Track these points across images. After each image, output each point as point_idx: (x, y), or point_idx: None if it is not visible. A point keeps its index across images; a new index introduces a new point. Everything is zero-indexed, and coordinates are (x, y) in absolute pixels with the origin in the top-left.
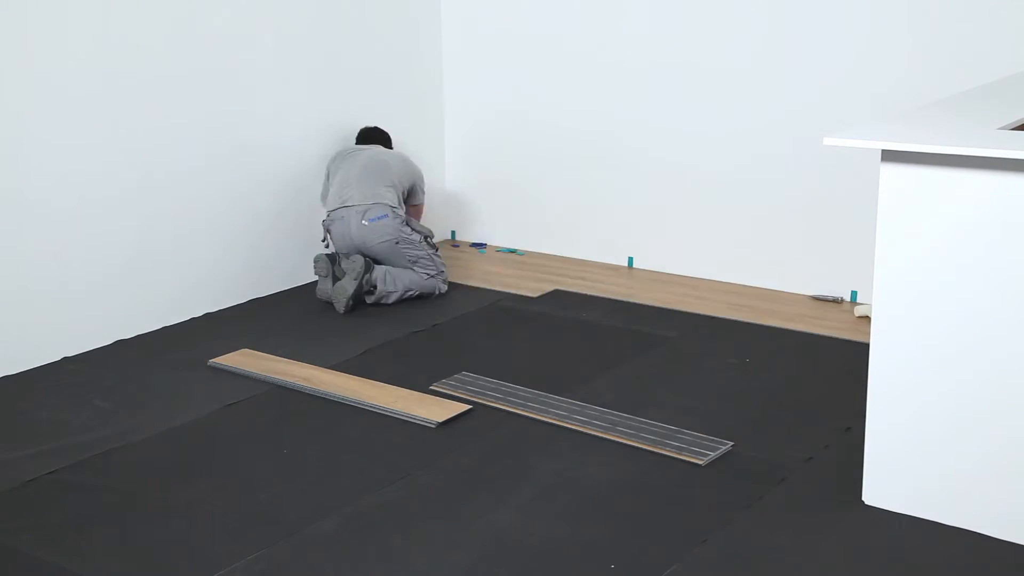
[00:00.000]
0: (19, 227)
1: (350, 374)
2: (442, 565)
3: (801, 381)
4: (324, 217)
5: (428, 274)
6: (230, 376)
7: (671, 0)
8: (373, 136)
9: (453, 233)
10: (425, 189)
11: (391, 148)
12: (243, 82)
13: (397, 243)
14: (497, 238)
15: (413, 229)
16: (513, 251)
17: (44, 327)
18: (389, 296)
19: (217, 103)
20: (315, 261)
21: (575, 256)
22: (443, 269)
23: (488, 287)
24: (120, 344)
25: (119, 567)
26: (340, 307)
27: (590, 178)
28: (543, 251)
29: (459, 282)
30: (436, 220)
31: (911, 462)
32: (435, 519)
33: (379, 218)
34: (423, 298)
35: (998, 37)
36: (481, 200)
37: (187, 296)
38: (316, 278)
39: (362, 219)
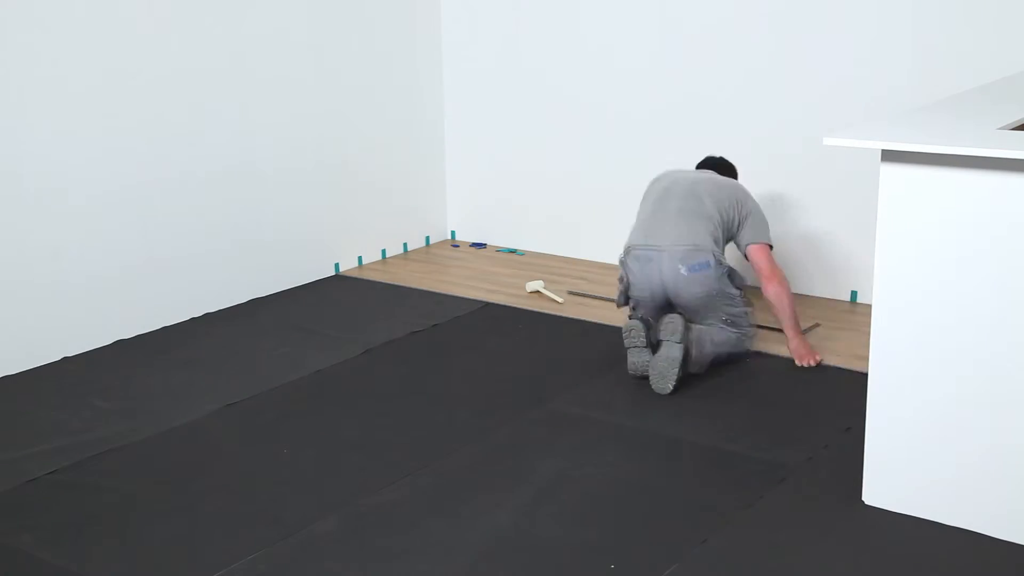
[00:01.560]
0: (19, 227)
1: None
2: (442, 565)
3: (801, 381)
4: (621, 255)
5: (741, 334)
6: (232, 375)
7: (671, 2)
8: (715, 164)
9: (453, 233)
10: (768, 226)
11: (735, 178)
12: (244, 83)
13: (715, 297)
14: (497, 238)
15: (733, 280)
16: (513, 251)
17: (44, 327)
18: (703, 366)
19: (217, 105)
20: (628, 329)
21: (575, 256)
22: (752, 333)
23: (488, 287)
24: (120, 344)
25: (119, 567)
26: (668, 385)
27: (590, 178)
28: (543, 251)
29: (460, 282)
30: (436, 219)
31: (911, 462)
32: (435, 519)
33: (700, 269)
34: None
35: (998, 37)
36: (481, 200)
37: (187, 296)
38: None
39: (680, 265)
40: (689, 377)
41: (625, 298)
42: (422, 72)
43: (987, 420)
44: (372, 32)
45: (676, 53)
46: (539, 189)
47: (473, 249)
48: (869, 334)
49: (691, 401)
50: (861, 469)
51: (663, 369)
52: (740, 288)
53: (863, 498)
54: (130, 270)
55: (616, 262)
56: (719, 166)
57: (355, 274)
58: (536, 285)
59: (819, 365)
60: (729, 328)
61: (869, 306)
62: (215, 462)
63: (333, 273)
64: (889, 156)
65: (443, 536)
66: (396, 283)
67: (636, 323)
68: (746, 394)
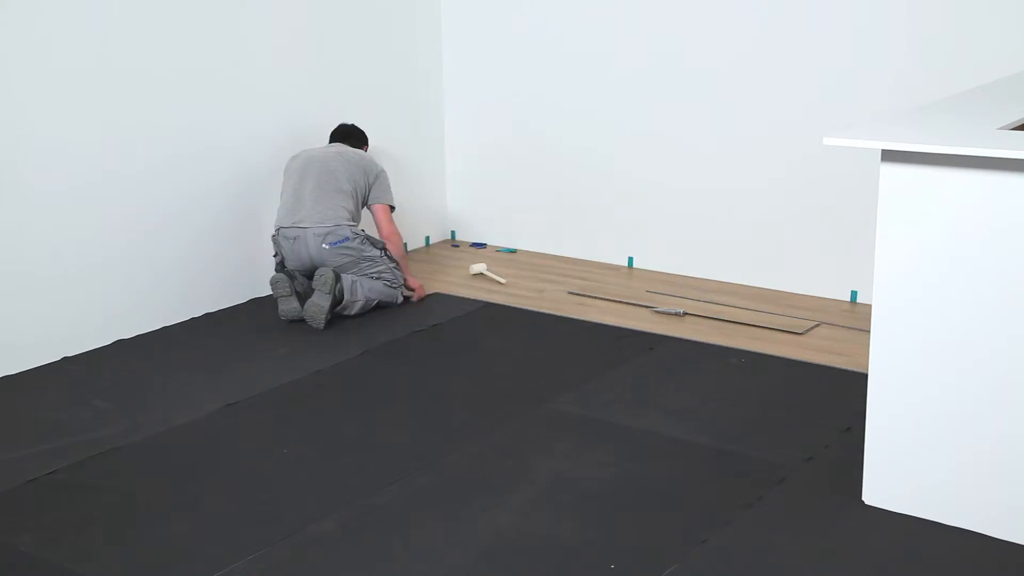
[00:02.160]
0: (19, 227)
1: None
2: (442, 565)
3: (801, 381)
4: (273, 232)
5: (389, 283)
6: (232, 375)
7: (670, 2)
8: (346, 135)
9: (453, 233)
10: (390, 187)
11: (363, 147)
12: (244, 83)
13: (359, 262)
14: (497, 238)
15: (372, 244)
16: (513, 251)
17: (44, 327)
18: (353, 306)
19: (216, 105)
20: (275, 282)
21: (575, 256)
22: (402, 282)
23: (489, 287)
24: (120, 344)
25: (119, 567)
26: (319, 323)
27: (590, 178)
28: (543, 251)
29: (459, 282)
30: (436, 220)
31: (911, 462)
32: (435, 519)
33: (340, 243)
34: (382, 307)
35: (998, 37)
36: (481, 200)
37: (187, 296)
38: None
39: (322, 243)
40: (690, 377)
41: (281, 266)
42: (422, 72)
43: (987, 420)
44: (372, 32)
45: (676, 53)
46: (539, 189)
47: (473, 249)
48: (869, 334)
49: (691, 401)
50: (861, 469)
51: (314, 313)
52: (380, 249)
53: (863, 498)
54: (130, 270)
55: (616, 262)
56: (350, 135)
57: None
58: (479, 268)
59: (422, 299)
60: (379, 280)
61: (869, 306)
62: (215, 462)
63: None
64: (889, 156)
65: (443, 536)
66: None
67: (280, 275)
68: (746, 394)
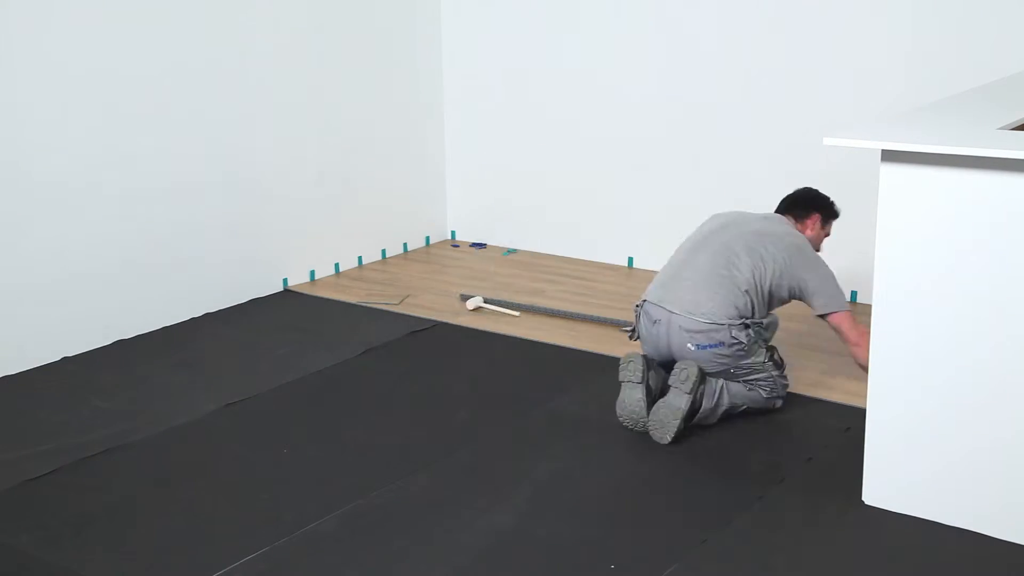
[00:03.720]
0: (19, 227)
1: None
2: (442, 565)
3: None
4: (639, 301)
5: (765, 394)
6: (232, 375)
7: (669, 3)
8: (796, 204)
9: (453, 233)
10: (834, 282)
11: (809, 221)
12: (245, 83)
13: (732, 372)
14: (497, 238)
15: (757, 346)
16: (513, 251)
17: (44, 327)
18: (715, 414)
19: (217, 105)
20: (626, 361)
21: (575, 256)
22: (783, 392)
23: (488, 287)
24: (120, 344)
25: (119, 567)
26: (667, 435)
27: (590, 178)
28: (543, 251)
29: (459, 281)
30: (436, 219)
31: (911, 462)
32: (435, 519)
33: (711, 347)
34: (748, 412)
35: (998, 37)
36: (481, 200)
37: (187, 296)
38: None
39: (688, 342)
40: None
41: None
42: (422, 72)
43: (987, 420)
44: (372, 32)
45: (676, 53)
46: (539, 189)
47: (473, 249)
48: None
49: None
50: (861, 469)
51: (664, 418)
52: (767, 351)
53: (863, 498)
54: (130, 270)
55: (616, 262)
56: (796, 204)
57: (355, 274)
58: (475, 302)
59: None
60: (754, 391)
61: (869, 306)
62: (215, 462)
63: (333, 273)
64: (889, 156)
65: (443, 536)
66: (394, 283)
67: (636, 355)
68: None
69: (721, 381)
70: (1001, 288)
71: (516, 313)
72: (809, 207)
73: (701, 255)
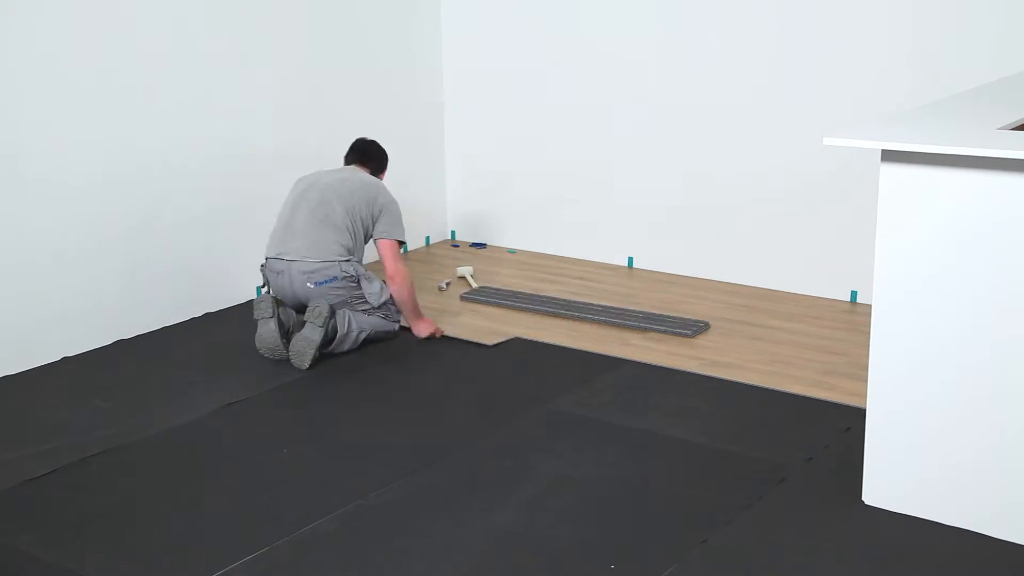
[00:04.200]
0: (19, 227)
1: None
2: (442, 565)
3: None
4: (262, 261)
5: (385, 316)
6: (232, 375)
7: (669, 3)
8: (362, 153)
9: (453, 233)
10: (400, 220)
11: (378, 171)
12: (245, 81)
13: (350, 301)
14: (497, 238)
15: (368, 282)
16: (513, 251)
17: (44, 327)
18: (345, 340)
19: (217, 105)
20: (258, 302)
21: (575, 256)
22: (397, 317)
23: (492, 287)
24: (120, 344)
25: (119, 567)
26: (305, 361)
27: (590, 178)
28: (543, 251)
29: (459, 282)
30: (436, 219)
31: (911, 462)
32: (435, 519)
33: (326, 283)
34: (375, 340)
35: (998, 38)
36: (481, 200)
37: (187, 296)
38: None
39: (307, 281)
40: (690, 377)
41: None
42: (422, 72)
43: (987, 420)
44: (372, 32)
45: (677, 53)
46: (539, 189)
47: (473, 249)
48: (869, 334)
49: (691, 401)
50: (861, 469)
51: (302, 348)
52: (376, 303)
53: (863, 498)
54: (130, 270)
55: (616, 262)
56: (367, 156)
57: None
58: (466, 270)
59: (441, 336)
60: (373, 313)
61: (869, 306)
62: (215, 462)
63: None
64: (889, 156)
65: (443, 536)
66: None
67: (265, 296)
68: (746, 394)
69: (347, 311)
70: (1001, 288)
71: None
72: (382, 161)
73: (301, 209)
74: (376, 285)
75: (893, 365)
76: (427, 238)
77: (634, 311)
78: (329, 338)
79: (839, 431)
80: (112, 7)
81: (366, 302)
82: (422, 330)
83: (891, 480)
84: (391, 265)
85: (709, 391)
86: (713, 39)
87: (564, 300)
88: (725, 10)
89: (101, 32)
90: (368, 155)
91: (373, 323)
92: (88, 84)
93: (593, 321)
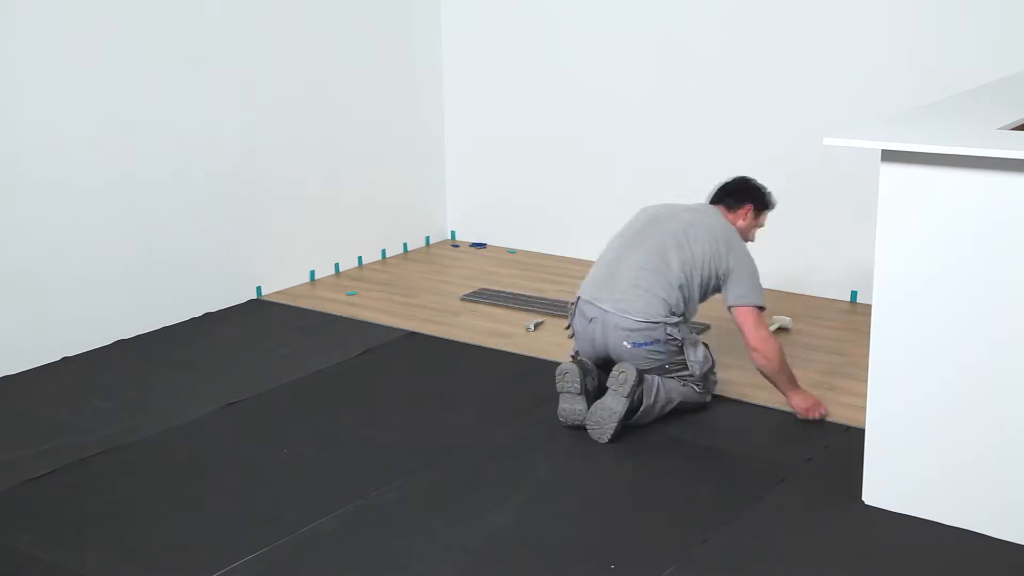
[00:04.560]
0: (19, 226)
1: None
2: (442, 565)
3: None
4: (573, 298)
5: (699, 388)
6: (232, 375)
7: (669, 3)
8: (726, 194)
9: (453, 233)
10: (756, 279)
11: (741, 213)
12: (245, 82)
13: (667, 367)
14: (497, 238)
15: (691, 345)
16: (513, 251)
17: (44, 327)
18: (651, 412)
19: (217, 104)
20: (562, 373)
21: (575, 256)
22: (713, 388)
23: (491, 288)
24: (120, 344)
25: (119, 567)
26: (605, 435)
27: (590, 178)
28: (543, 251)
29: (460, 281)
30: (436, 219)
31: (911, 462)
32: (435, 519)
33: (648, 344)
34: (679, 410)
35: (998, 37)
36: (481, 200)
37: (187, 296)
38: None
39: (624, 340)
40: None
41: (575, 355)
42: (422, 72)
43: (987, 420)
44: (372, 32)
45: (676, 52)
46: (539, 189)
47: (473, 249)
48: (869, 334)
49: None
50: (861, 469)
51: (601, 419)
52: (699, 370)
53: (863, 498)
54: (130, 270)
55: None
56: (730, 195)
57: (355, 274)
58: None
59: (824, 418)
60: (687, 387)
61: (869, 306)
62: (215, 462)
63: (333, 273)
64: (889, 156)
65: (443, 536)
66: (394, 283)
67: (571, 366)
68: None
69: (657, 379)
70: (1001, 288)
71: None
72: (742, 197)
73: (633, 253)
74: (700, 353)
75: (893, 365)
76: (427, 238)
77: None
78: (634, 407)
79: (839, 431)
80: (112, 8)
81: (684, 369)
82: (801, 406)
83: (891, 480)
84: (753, 336)
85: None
86: (713, 39)
87: (564, 300)
88: (725, 10)
89: (101, 32)
90: (729, 194)
91: (686, 394)
92: (89, 84)
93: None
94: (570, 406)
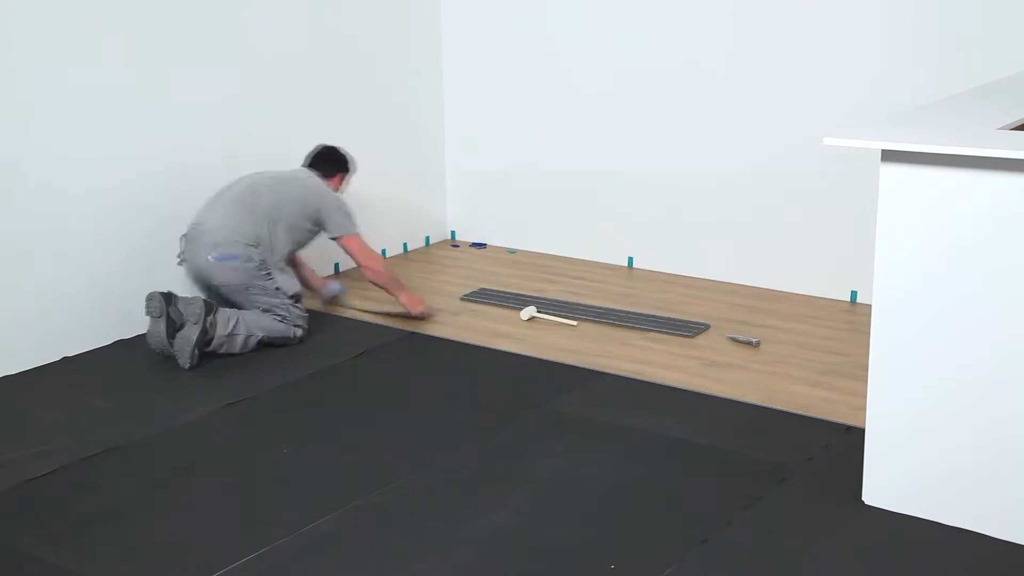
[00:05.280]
0: (19, 226)
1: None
2: (442, 565)
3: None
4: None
5: (280, 318)
6: (232, 375)
7: (669, 2)
8: (317, 159)
9: (453, 233)
10: (348, 214)
11: (335, 176)
12: (244, 81)
13: (247, 288)
14: (497, 238)
15: (270, 274)
16: (513, 251)
17: (44, 327)
18: (233, 341)
19: (215, 105)
20: (148, 299)
21: (575, 256)
22: (300, 322)
23: (491, 288)
24: (120, 344)
25: (119, 567)
26: (184, 360)
27: (590, 178)
28: (544, 251)
29: (460, 281)
30: (436, 219)
31: (911, 462)
32: (435, 519)
33: (227, 259)
34: (274, 345)
35: (998, 38)
36: (481, 200)
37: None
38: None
39: (209, 253)
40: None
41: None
42: (422, 72)
43: (987, 420)
44: (372, 32)
45: (676, 52)
46: (539, 189)
47: (473, 249)
48: (869, 334)
49: (691, 401)
50: (861, 469)
51: (180, 347)
52: (287, 291)
53: (863, 498)
54: (130, 270)
55: (616, 262)
56: (321, 160)
57: (355, 274)
58: (529, 312)
59: (426, 316)
60: (270, 315)
61: (869, 306)
62: (215, 462)
63: (333, 272)
64: (889, 156)
65: (443, 536)
66: None
67: (156, 293)
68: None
69: (236, 312)
70: (1001, 288)
71: (574, 323)
72: (336, 167)
73: (230, 192)
74: (285, 279)
75: (893, 365)
76: (427, 238)
77: (634, 311)
78: (209, 337)
79: (839, 431)
80: (111, 15)
81: (265, 293)
82: (414, 304)
83: (891, 480)
84: (361, 256)
85: (709, 391)
86: (713, 40)
87: (564, 300)
88: (725, 11)
89: (102, 39)
90: (320, 159)
91: (267, 326)
92: (90, 87)
93: (593, 321)
94: (153, 328)
